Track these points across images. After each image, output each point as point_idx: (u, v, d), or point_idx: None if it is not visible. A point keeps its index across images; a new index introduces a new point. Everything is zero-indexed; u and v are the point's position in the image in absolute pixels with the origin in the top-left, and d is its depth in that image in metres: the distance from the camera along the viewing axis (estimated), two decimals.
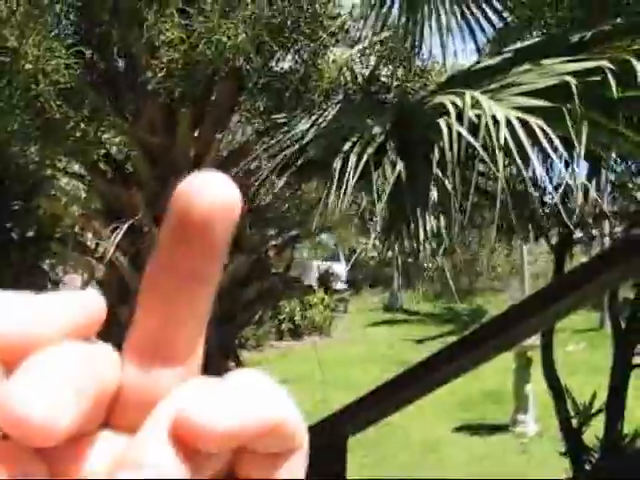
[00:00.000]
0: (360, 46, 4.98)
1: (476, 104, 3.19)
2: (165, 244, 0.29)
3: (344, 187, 3.25)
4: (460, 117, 3.19)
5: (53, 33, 4.40)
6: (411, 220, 3.57)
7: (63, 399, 0.25)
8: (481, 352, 2.17)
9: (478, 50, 4.75)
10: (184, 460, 0.26)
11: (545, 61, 3.39)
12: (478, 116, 3.13)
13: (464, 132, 3.08)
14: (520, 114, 3.13)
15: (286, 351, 16.89)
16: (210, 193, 0.27)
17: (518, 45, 4.07)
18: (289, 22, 4.42)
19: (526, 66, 3.47)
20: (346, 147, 3.47)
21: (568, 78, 3.03)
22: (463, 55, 4.43)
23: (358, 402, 2.50)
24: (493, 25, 4.40)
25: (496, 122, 3.09)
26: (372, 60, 4.97)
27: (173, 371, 0.29)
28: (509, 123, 3.11)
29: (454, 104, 3.22)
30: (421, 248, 3.60)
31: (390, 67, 4.93)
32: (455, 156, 3.08)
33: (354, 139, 3.52)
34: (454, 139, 3.10)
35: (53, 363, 0.26)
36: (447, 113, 3.23)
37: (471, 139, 3.09)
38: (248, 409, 0.27)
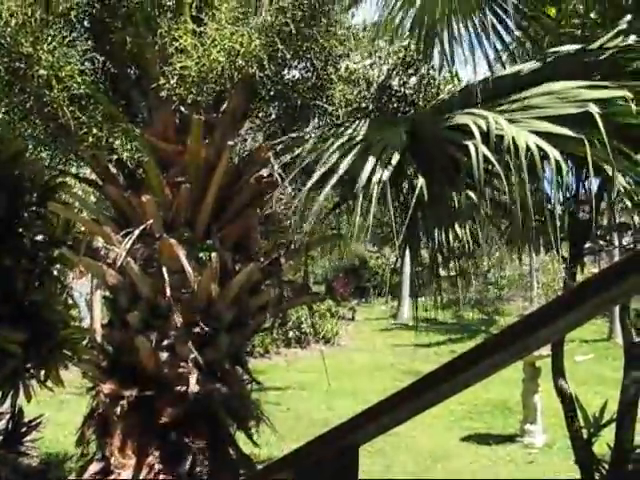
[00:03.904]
0: (373, 56, 4.99)
1: (497, 126, 3.29)
2: None
3: (362, 203, 3.33)
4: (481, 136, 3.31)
5: (67, 40, 4.42)
6: (426, 232, 3.62)
7: None
8: (495, 361, 2.17)
9: (489, 63, 4.73)
10: None
11: (566, 84, 3.45)
12: (500, 137, 3.23)
13: (489, 155, 3.19)
14: (539, 141, 3.21)
15: (292, 359, 16.88)
16: None
17: (531, 64, 4.10)
18: (302, 30, 4.43)
19: (545, 88, 3.53)
20: (368, 166, 3.54)
21: (592, 107, 3.11)
22: (473, 64, 4.46)
23: (369, 410, 2.50)
24: (506, 37, 4.40)
25: (515, 146, 3.20)
26: (384, 69, 4.97)
27: None
28: (527, 147, 3.21)
29: (478, 126, 3.31)
30: (435, 258, 3.64)
31: (402, 77, 4.94)
32: (481, 175, 3.19)
33: (372, 155, 3.57)
34: (479, 160, 3.21)
35: None
36: (469, 133, 3.33)
37: (494, 160, 3.19)
38: None
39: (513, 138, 3.18)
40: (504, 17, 4.32)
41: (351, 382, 13.67)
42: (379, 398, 2.40)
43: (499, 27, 4.48)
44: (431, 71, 5.01)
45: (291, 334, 17.65)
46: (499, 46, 4.65)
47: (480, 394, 11.78)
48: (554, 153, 3.17)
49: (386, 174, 3.47)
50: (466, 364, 2.25)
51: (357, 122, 4.21)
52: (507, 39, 4.59)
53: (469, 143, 3.33)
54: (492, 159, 3.25)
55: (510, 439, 10.22)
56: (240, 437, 5.11)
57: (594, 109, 3.12)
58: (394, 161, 3.53)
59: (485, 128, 3.32)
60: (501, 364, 2.37)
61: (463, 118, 3.55)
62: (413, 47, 4.88)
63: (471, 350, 2.43)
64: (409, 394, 2.43)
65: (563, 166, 3.19)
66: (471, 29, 4.37)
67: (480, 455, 9.61)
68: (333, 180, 3.56)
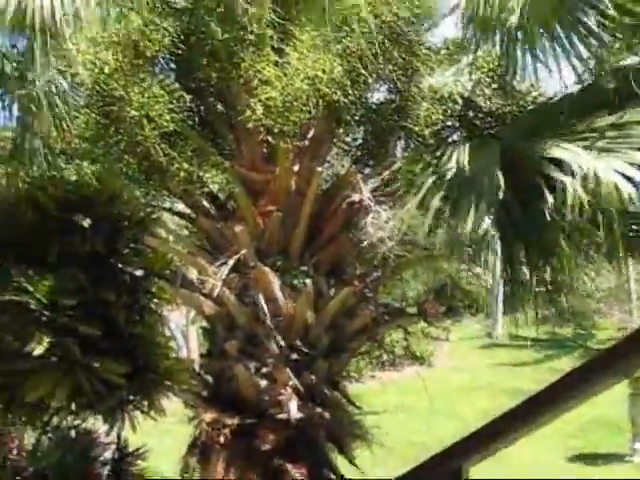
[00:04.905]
0: (456, 73, 4.94)
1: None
2: None
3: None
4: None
5: (156, 81, 4.57)
6: (526, 253, 3.67)
7: None
8: (607, 377, 2.10)
9: (579, 77, 4.60)
10: None
11: None
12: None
13: (584, 197, 3.40)
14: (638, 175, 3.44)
15: (387, 382, 16.71)
16: None
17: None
18: (383, 53, 4.43)
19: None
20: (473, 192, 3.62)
21: None
22: (557, 78, 4.37)
23: (476, 434, 2.45)
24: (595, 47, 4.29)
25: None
26: (468, 87, 4.92)
27: None
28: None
29: (579, 166, 3.54)
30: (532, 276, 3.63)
31: (486, 92, 4.87)
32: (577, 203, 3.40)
33: (472, 193, 3.67)
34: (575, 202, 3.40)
35: None
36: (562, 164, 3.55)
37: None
38: None
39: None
40: (590, 24, 4.20)
41: (449, 403, 13.43)
42: (479, 419, 2.36)
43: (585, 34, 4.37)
44: (515, 84, 4.93)
45: (385, 357, 17.51)
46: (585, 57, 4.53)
47: (585, 411, 11.34)
48: None
49: (488, 222, 3.60)
50: (572, 384, 2.19)
51: (447, 149, 4.18)
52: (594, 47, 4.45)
53: (567, 183, 3.50)
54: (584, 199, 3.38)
55: (619, 458, 9.81)
56: (339, 462, 5.09)
57: None
58: (492, 209, 3.61)
59: (585, 170, 3.49)
60: (609, 383, 2.29)
61: (560, 152, 3.65)
62: (496, 62, 4.80)
63: (577, 369, 2.35)
64: (515, 417, 2.38)
65: None
66: (555, 39, 4.27)
67: (589, 476, 9.25)
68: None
